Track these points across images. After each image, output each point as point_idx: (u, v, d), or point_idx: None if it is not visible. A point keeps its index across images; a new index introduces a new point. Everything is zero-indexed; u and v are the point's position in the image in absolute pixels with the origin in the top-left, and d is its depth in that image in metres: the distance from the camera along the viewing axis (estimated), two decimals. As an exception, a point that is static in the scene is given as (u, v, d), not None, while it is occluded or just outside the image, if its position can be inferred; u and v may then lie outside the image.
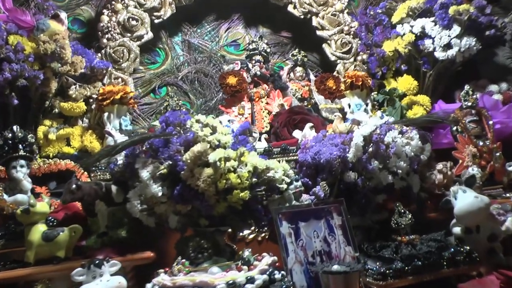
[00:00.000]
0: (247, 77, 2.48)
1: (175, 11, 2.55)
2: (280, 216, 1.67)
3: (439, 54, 2.50)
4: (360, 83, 2.45)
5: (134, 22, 2.41)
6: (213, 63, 2.70)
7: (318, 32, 2.71)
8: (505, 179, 2.30)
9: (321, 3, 2.70)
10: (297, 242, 1.65)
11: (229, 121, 2.25)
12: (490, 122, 2.31)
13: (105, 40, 2.39)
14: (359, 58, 2.71)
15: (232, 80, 2.42)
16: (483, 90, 2.67)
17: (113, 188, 1.75)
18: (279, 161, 1.93)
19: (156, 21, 2.50)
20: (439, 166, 2.18)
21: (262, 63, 2.55)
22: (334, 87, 2.56)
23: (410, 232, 1.70)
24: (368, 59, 2.67)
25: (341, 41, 2.69)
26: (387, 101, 2.59)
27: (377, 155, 1.77)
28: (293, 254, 1.62)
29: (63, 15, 2.17)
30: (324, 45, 2.71)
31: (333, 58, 2.71)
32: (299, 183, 1.88)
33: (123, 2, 2.43)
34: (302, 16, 2.69)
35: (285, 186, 1.78)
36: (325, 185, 1.86)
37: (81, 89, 2.17)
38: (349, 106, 2.48)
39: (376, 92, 2.59)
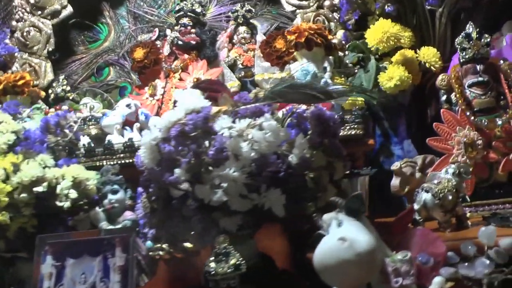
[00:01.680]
0: (168, 48, 1.95)
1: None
2: (46, 248, 1.20)
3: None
4: (303, 39, 1.69)
5: (41, -2, 2.09)
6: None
7: (268, -24, 1.98)
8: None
9: None
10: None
11: (127, 105, 1.81)
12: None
13: (14, 22, 2.14)
14: (327, 3, 1.88)
15: (138, 53, 1.92)
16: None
17: None
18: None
19: (76, -9, 2.15)
20: (395, 164, 1.37)
21: (190, 27, 1.97)
22: (283, 49, 1.83)
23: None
24: (340, 2, 1.83)
25: (298, -19, 1.90)
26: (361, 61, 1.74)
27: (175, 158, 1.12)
28: (46, 306, 1.15)
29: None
30: (279, -9, 1.97)
31: (289, 7, 1.94)
32: (118, 195, 1.35)
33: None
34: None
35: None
36: (145, 200, 1.28)
37: (-17, 77, 1.99)
38: (304, 73, 1.76)
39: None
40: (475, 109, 1.39)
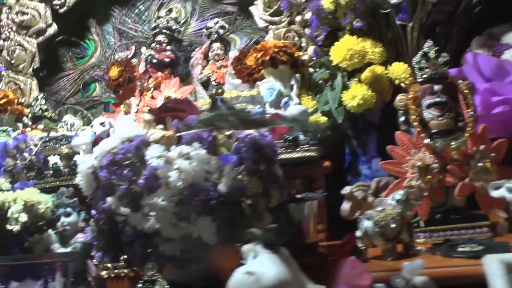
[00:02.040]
0: (143, 66, 1.97)
1: (80, -7, 2.20)
2: (-9, 271, 1.24)
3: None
4: (267, 57, 1.67)
5: (26, 16, 2.16)
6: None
7: (242, -9, 1.97)
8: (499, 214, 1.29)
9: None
10: (0, 311, 1.20)
11: (101, 124, 1.84)
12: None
13: (1, 42, 2.21)
14: (298, 19, 1.85)
15: (114, 72, 1.95)
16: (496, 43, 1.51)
17: None
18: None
19: (60, 10, 2.20)
20: (345, 189, 1.34)
21: (165, 44, 1.99)
22: (254, 66, 1.81)
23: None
24: (310, 18, 1.80)
25: (270, -3, 1.89)
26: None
27: (109, 187, 1.13)
28: (-10, 329, 1.19)
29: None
30: (252, 8, 1.95)
31: (262, 24, 1.92)
32: (71, 218, 1.38)
33: (15, -6, 2.20)
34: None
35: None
36: (93, 224, 1.30)
37: (-26, 98, 2.08)
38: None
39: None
40: (432, 131, 1.34)
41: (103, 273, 1.39)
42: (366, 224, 1.17)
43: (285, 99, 1.59)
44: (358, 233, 1.19)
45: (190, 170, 1.07)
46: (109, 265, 1.37)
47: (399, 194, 1.20)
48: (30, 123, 1.98)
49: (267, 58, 1.67)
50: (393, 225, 1.16)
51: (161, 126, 1.28)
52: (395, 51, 1.73)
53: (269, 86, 1.69)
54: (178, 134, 1.23)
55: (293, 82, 1.72)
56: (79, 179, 1.16)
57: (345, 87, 1.64)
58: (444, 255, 1.14)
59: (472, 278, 1.00)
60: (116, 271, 1.41)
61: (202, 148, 1.17)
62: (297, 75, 1.72)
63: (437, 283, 0.98)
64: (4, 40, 2.22)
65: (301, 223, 1.31)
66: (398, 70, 1.62)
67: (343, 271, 1.04)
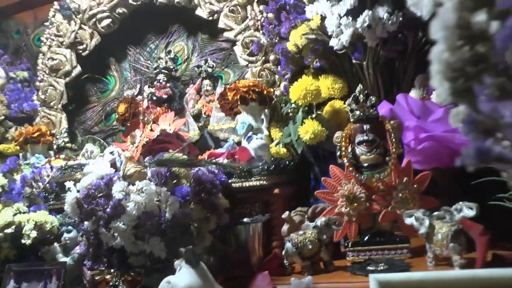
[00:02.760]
0: (146, 102, 2.32)
1: (100, 40, 2.59)
2: (11, 274, 1.63)
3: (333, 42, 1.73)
4: (238, 96, 1.95)
5: (55, 61, 2.57)
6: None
7: (225, 34, 2.24)
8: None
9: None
10: (14, 304, 1.58)
11: (110, 152, 2.20)
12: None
13: (38, 83, 2.65)
14: (271, 57, 2.10)
15: (121, 108, 2.30)
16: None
17: None
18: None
19: (83, 53, 2.60)
20: (285, 213, 1.59)
21: (165, 82, 2.32)
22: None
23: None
24: (280, 58, 2.05)
25: (248, 39, 2.15)
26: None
27: (88, 213, 1.46)
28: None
29: (-6, 69, 2.58)
30: (235, 48, 2.23)
31: (243, 62, 2.20)
32: (71, 234, 1.74)
33: (47, 42, 2.62)
34: (210, 18, 2.28)
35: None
36: (85, 239, 1.65)
37: (15, 131, 2.53)
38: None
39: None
40: (363, 165, 1.56)
41: (97, 278, 1.74)
42: (287, 245, 1.43)
43: (249, 134, 1.86)
44: (283, 252, 1.45)
45: (142, 202, 1.39)
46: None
47: (319, 221, 1.45)
48: (57, 151, 2.40)
49: (238, 97, 1.95)
50: (310, 247, 1.41)
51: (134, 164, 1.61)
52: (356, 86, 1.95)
53: (242, 120, 1.98)
54: (146, 170, 1.56)
55: (262, 116, 1.99)
56: (66, 207, 1.52)
57: (303, 122, 1.88)
58: (352, 272, 1.37)
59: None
60: (108, 276, 1.76)
61: (161, 181, 1.49)
62: (266, 110, 1.98)
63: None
64: (40, 81, 2.64)
65: (247, 241, 1.58)
66: (355, 104, 1.84)
67: (255, 283, 1.31)
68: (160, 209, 1.43)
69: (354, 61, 1.87)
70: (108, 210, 1.42)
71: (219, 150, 1.95)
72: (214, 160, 1.67)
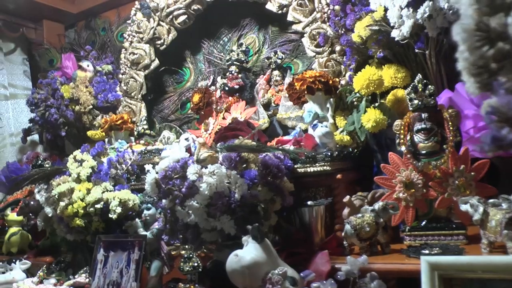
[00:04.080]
0: (219, 92, 2.48)
1: (176, 35, 2.78)
2: (100, 243, 1.86)
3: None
4: (305, 86, 2.04)
5: (136, 56, 2.79)
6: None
7: (294, 26, 2.33)
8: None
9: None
10: (103, 269, 1.80)
11: (186, 139, 2.38)
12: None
13: (120, 75, 2.89)
14: (337, 48, 2.16)
15: (195, 98, 2.47)
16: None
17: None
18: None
19: (161, 48, 2.81)
20: (346, 197, 1.69)
21: (236, 73, 2.46)
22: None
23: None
24: (346, 49, 2.11)
25: (315, 31, 2.23)
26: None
27: (166, 192, 1.62)
28: (97, 280, 1.79)
29: (85, 64, 2.86)
30: (303, 40, 2.31)
31: (311, 53, 2.27)
32: (151, 211, 1.93)
33: (128, 38, 2.85)
34: (279, 11, 2.38)
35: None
36: (162, 216, 1.83)
37: (101, 119, 2.80)
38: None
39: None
40: (420, 152, 1.60)
41: (173, 252, 1.93)
42: (346, 227, 1.52)
43: (315, 122, 1.95)
44: (343, 234, 1.54)
45: (214, 183, 1.54)
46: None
47: (377, 205, 1.52)
48: (137, 137, 2.64)
49: (304, 87, 2.04)
50: (367, 229, 1.49)
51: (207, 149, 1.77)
52: (423, 75, 1.97)
53: (308, 108, 2.07)
54: (218, 155, 1.71)
55: (328, 105, 2.08)
56: (146, 186, 1.71)
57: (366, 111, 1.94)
58: (406, 255, 1.44)
59: (412, 273, 1.30)
60: (183, 252, 1.94)
61: (231, 165, 1.64)
62: (331, 99, 2.07)
63: (381, 275, 1.31)
64: (122, 74, 2.90)
65: (310, 223, 1.68)
66: (416, 93, 1.88)
67: (314, 260, 1.42)
68: (230, 190, 1.57)
69: (417, 50, 1.91)
70: (183, 190, 1.59)
71: (286, 137, 2.06)
72: (281, 147, 1.79)
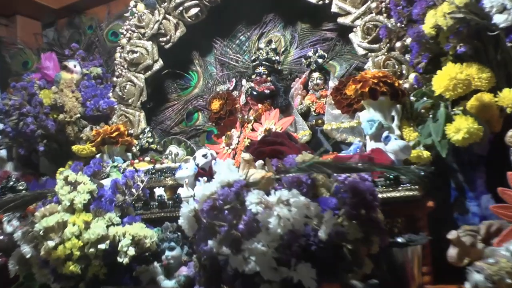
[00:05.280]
0: (244, 98, 2.02)
1: (184, 31, 2.32)
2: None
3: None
4: (366, 89, 1.63)
5: (135, 55, 2.32)
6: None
7: (340, 20, 1.93)
8: None
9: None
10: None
11: (203, 155, 1.90)
12: None
13: (115, 78, 2.40)
14: (398, 44, 1.77)
15: (215, 105, 2.02)
16: None
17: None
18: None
19: (166, 46, 2.34)
20: (452, 233, 1.26)
21: (265, 76, 2.02)
22: (353, 96, 1.77)
23: None
24: (411, 44, 1.72)
25: (371, 24, 1.83)
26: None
27: (210, 230, 1.16)
28: None
29: (71, 64, 2.34)
30: (351, 35, 1.91)
31: (361, 51, 1.87)
32: (174, 252, 1.45)
33: (126, 34, 2.38)
34: (319, 2, 1.97)
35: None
36: (195, 260, 1.35)
37: (90, 130, 2.28)
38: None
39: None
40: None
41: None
42: (477, 278, 1.08)
43: (385, 133, 1.53)
44: (467, 286, 1.11)
45: (290, 217, 1.08)
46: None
47: (514, 244, 1.10)
48: (138, 153, 2.13)
49: (366, 89, 1.63)
50: (508, 281, 1.06)
51: (260, 162, 1.30)
52: (505, 75, 1.60)
53: (369, 117, 1.65)
54: (277, 176, 1.25)
55: (393, 113, 1.67)
56: (181, 221, 1.22)
57: (448, 119, 1.54)
58: None
59: None
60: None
61: (301, 191, 1.18)
62: (398, 105, 1.66)
63: None
64: (117, 77, 2.42)
65: (405, 267, 1.25)
66: (510, 97, 1.49)
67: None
68: (307, 226, 1.12)
69: (509, 44, 1.54)
70: (240, 226, 1.12)
71: (344, 153, 1.63)
72: (379, 164, 1.34)
